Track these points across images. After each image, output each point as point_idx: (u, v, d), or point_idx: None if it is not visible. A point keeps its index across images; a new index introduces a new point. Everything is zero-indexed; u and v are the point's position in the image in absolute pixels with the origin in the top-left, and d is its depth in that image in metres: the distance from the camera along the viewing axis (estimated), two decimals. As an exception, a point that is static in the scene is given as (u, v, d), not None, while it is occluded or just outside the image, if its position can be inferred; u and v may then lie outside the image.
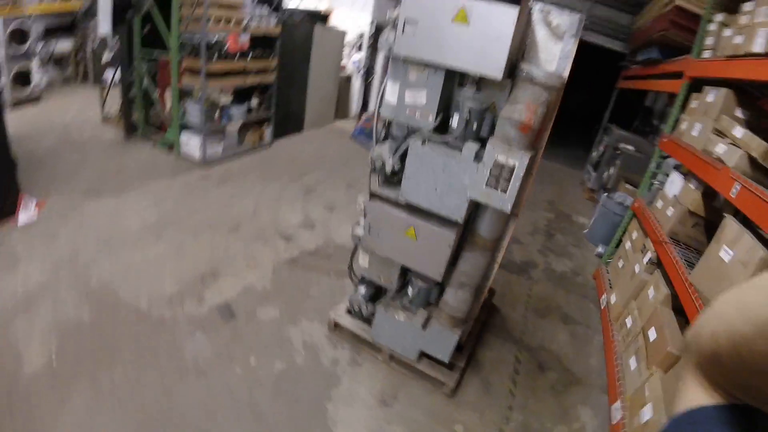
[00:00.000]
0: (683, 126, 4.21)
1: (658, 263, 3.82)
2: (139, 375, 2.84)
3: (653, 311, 3.44)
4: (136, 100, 6.06)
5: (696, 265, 3.10)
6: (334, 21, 8.45)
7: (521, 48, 2.44)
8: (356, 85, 9.72)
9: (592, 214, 6.79)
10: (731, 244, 2.79)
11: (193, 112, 5.80)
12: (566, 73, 2.39)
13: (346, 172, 6.86)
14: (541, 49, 2.39)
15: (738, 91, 3.53)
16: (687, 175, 3.93)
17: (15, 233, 3.94)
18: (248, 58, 6.09)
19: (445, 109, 2.49)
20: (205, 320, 3.35)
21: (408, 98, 2.43)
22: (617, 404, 3.23)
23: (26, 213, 4.11)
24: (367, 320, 3.35)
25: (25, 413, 2.49)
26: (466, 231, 2.75)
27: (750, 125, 3.29)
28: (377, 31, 8.89)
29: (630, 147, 7.19)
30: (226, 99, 6.24)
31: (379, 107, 2.58)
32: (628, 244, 4.69)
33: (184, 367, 2.95)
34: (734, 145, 3.18)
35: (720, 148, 3.29)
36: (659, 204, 4.24)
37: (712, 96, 3.74)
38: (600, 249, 5.91)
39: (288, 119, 7.65)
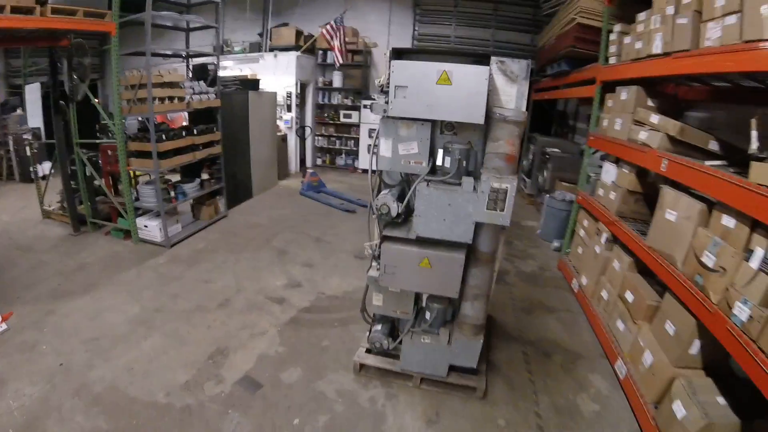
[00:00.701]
0: (605, 123, 4.91)
1: (614, 240, 4.36)
2: None
3: (623, 279, 3.96)
4: (80, 191, 5.83)
5: (648, 232, 3.67)
6: (262, 85, 8.68)
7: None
8: (291, 143, 9.96)
9: (538, 217, 7.39)
10: (673, 206, 3.37)
11: (148, 194, 5.69)
12: (525, 109, 2.85)
13: (309, 228, 6.97)
14: (502, 92, 2.84)
15: (645, 85, 4.18)
16: (618, 162, 4.53)
17: None
18: (195, 133, 6.13)
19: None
20: (232, 397, 3.29)
21: (402, 150, 2.83)
22: (619, 362, 3.68)
23: None
24: (389, 354, 3.51)
25: None
26: (469, 251, 3.04)
27: (662, 111, 3.95)
28: (302, 90, 9.35)
29: (556, 150, 7.90)
30: (175, 178, 6.20)
31: (376, 163, 2.96)
32: (582, 232, 5.28)
33: None
34: (654, 129, 3.80)
35: (642, 135, 3.92)
36: (601, 192, 4.84)
37: (624, 94, 4.40)
38: (555, 243, 6.52)
39: (237, 187, 7.68)
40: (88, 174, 5.77)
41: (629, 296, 3.78)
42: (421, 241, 2.95)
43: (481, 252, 3.04)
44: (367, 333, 3.59)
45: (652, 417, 3.03)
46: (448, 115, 2.66)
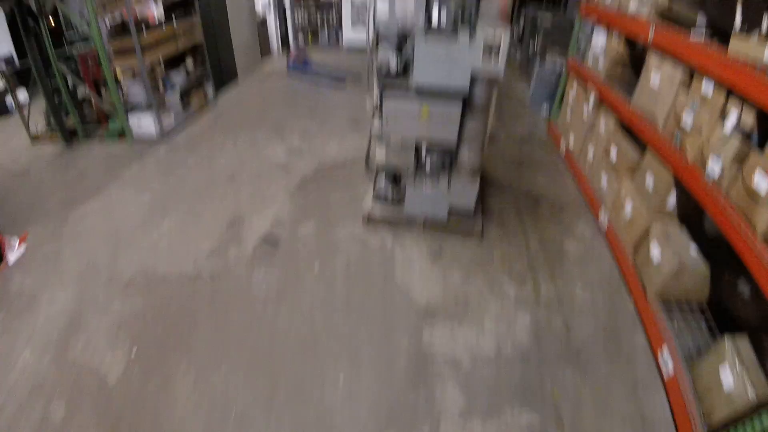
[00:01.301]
0: None
1: (601, 104, 4.52)
2: (229, 325, 3.02)
3: (608, 137, 4.17)
4: (65, 105, 5.72)
5: (633, 94, 3.80)
6: None
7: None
8: (271, 23, 9.49)
9: (528, 87, 7.39)
10: (657, 72, 3.49)
11: (136, 91, 5.57)
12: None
13: (300, 102, 6.97)
14: None
15: None
16: (607, 31, 4.58)
17: (14, 275, 3.54)
18: (174, 23, 5.85)
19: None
20: (256, 256, 3.60)
21: (399, 9, 2.91)
22: (602, 213, 4.01)
23: (13, 252, 3.73)
24: (394, 204, 3.80)
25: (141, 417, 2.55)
26: (465, 105, 3.19)
27: None
28: None
29: (548, 18, 7.69)
30: (161, 70, 6.06)
31: (373, 22, 3.00)
32: (571, 97, 5.41)
33: (263, 298, 3.21)
34: (644, 2, 3.85)
35: (633, 6, 4.01)
36: (590, 59, 4.93)
37: None
38: (545, 109, 6.63)
39: (223, 73, 7.48)
40: (70, 86, 5.58)
41: (613, 153, 4.01)
42: (421, 93, 3.08)
43: (476, 103, 3.20)
44: (372, 187, 3.84)
45: (631, 260, 3.38)
46: None
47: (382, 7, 2.91)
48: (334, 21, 10.48)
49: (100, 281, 3.41)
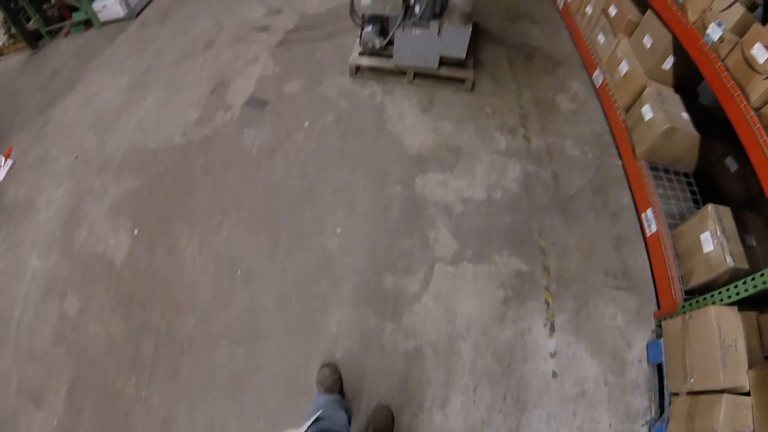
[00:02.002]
0: None
1: None
2: (225, 188, 3.02)
3: None
4: (25, 8, 5.10)
5: None
6: None
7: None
8: None
9: None
10: None
11: None
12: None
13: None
14: None
15: None
16: None
17: (7, 188, 3.54)
18: None
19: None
20: (244, 117, 3.46)
21: None
22: (597, 71, 3.73)
23: (1, 168, 3.68)
24: (381, 54, 3.53)
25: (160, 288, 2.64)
26: None
27: None
28: None
29: None
30: None
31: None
32: None
33: (256, 157, 3.16)
34: None
35: None
36: None
37: None
38: None
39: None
40: None
41: (612, 10, 3.66)
42: None
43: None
44: (358, 38, 3.56)
45: (622, 119, 3.23)
46: None
47: None
48: None
49: (92, 171, 3.36)
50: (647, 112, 2.96)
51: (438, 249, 2.65)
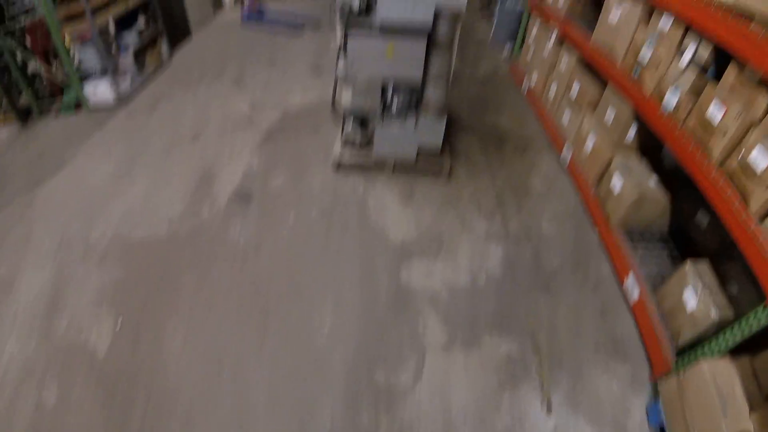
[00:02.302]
0: None
1: (562, 42, 4.45)
2: (211, 281, 2.97)
3: (570, 74, 4.13)
4: (17, 81, 5.28)
5: (594, 30, 3.74)
6: None
7: None
8: None
9: (487, 27, 7.29)
10: (617, 7, 3.45)
11: (90, 56, 5.13)
12: None
13: (258, 53, 6.59)
14: None
15: None
16: None
17: None
18: None
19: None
20: (230, 211, 3.51)
21: None
22: (565, 149, 4.02)
23: None
24: (363, 148, 3.73)
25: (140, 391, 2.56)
26: (429, 42, 3.08)
27: None
28: None
29: None
30: (112, 31, 5.60)
31: None
32: (532, 36, 5.30)
33: (242, 251, 3.16)
34: None
35: None
36: None
37: None
38: (506, 50, 6.50)
39: (175, 28, 7.00)
40: (20, 62, 5.09)
41: (575, 90, 4.00)
42: (385, 31, 2.97)
43: (440, 40, 3.12)
44: (339, 132, 3.76)
45: (593, 192, 3.45)
46: None
47: None
48: None
49: (75, 256, 3.27)
50: (616, 183, 3.11)
51: (428, 338, 2.65)
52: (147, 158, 4.28)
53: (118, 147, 4.52)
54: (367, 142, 3.67)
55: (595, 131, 3.58)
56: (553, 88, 4.53)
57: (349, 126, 3.60)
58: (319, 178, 3.78)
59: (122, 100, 5.41)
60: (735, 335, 1.98)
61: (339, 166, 3.78)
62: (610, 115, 3.46)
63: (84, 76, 5.25)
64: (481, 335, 2.66)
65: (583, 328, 2.72)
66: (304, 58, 6.31)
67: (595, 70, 3.78)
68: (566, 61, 4.27)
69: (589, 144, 3.63)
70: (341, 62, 3.19)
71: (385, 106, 3.47)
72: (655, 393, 2.37)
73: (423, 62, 3.09)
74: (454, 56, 3.27)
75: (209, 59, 6.54)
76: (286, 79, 5.69)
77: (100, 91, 5.29)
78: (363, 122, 3.66)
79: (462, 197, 3.64)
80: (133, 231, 3.42)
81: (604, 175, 3.38)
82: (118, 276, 3.07)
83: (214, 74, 5.99)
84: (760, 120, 2.13)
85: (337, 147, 3.80)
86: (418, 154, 3.67)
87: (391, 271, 3.01)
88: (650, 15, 3.13)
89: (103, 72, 5.24)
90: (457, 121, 4.60)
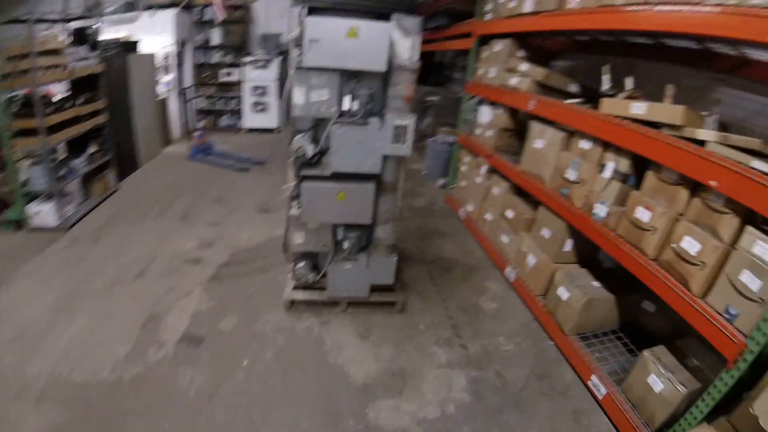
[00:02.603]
0: (480, 71, 5.47)
1: (492, 171, 5.03)
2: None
3: (503, 200, 4.63)
4: None
5: (520, 160, 4.29)
6: (139, 47, 7.88)
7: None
8: (173, 107, 9.22)
9: (423, 160, 8.07)
10: (540, 136, 3.99)
11: (37, 175, 5.00)
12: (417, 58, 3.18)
13: (205, 190, 6.72)
14: (398, 45, 3.07)
15: (517, 39, 4.73)
16: (492, 104, 5.14)
17: None
18: (77, 103, 5.49)
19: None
20: (179, 356, 3.34)
21: (314, 97, 3.03)
22: (508, 268, 4.37)
23: None
24: (314, 287, 3.80)
25: None
26: (377, 184, 3.39)
27: (531, 60, 4.52)
28: (181, 49, 8.82)
29: (435, 97, 8.38)
30: (63, 153, 5.53)
31: (288, 111, 3.12)
32: (464, 168, 5.96)
33: (194, 401, 2.97)
34: (524, 75, 4.36)
35: (513, 81, 4.50)
36: (478, 131, 5.48)
37: (498, 46, 4.93)
38: (441, 181, 7.20)
39: (124, 158, 7.02)
40: None
41: (510, 213, 4.45)
42: (336, 177, 3.23)
43: (387, 182, 3.43)
44: (290, 273, 3.82)
45: (542, 305, 3.73)
46: (356, 64, 2.91)
47: (299, 97, 3.03)
48: (235, 104, 10.45)
49: (8, 396, 2.94)
50: (563, 293, 3.37)
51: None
52: (89, 292, 4.07)
53: (59, 277, 4.30)
54: (319, 282, 3.74)
55: (534, 249, 3.93)
56: (489, 215, 4.99)
57: (301, 265, 3.68)
58: (271, 319, 3.74)
59: (65, 225, 5.24)
60: (707, 404, 2.21)
61: (291, 305, 3.80)
62: (545, 232, 3.84)
63: (29, 195, 5.09)
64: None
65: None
66: (251, 196, 6.49)
67: (526, 193, 4.25)
68: (498, 189, 4.78)
69: (531, 261, 3.95)
70: (293, 206, 3.36)
71: (336, 246, 3.62)
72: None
73: (372, 207, 3.35)
74: (401, 196, 3.56)
75: (156, 192, 6.59)
76: (233, 218, 5.78)
77: (43, 213, 5.13)
78: (315, 261, 3.77)
79: (418, 328, 3.75)
80: (73, 372, 3.16)
81: (549, 287, 3.67)
82: (56, 421, 2.78)
83: (161, 208, 6.00)
84: (684, 212, 2.57)
85: (288, 286, 3.85)
86: (370, 290, 3.79)
87: (357, 413, 2.93)
88: (570, 138, 3.65)
89: (49, 194, 5.11)
90: (403, 252, 4.84)
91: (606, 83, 3.53)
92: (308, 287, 3.80)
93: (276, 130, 10.09)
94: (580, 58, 5.02)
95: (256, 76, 9.72)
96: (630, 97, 3.18)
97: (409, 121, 3.08)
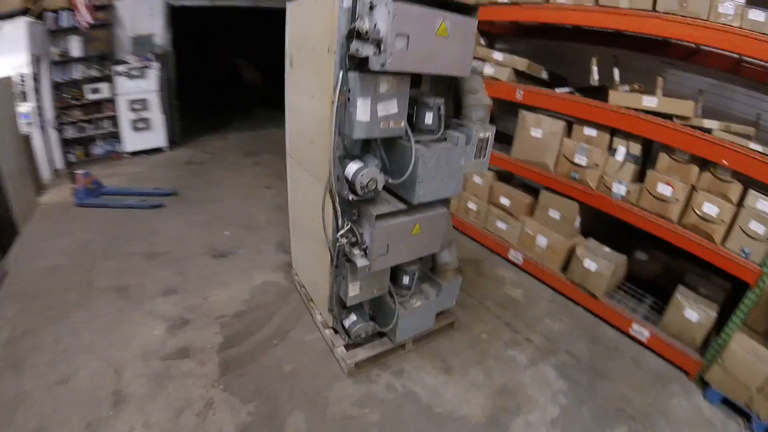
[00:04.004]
0: None
1: None
2: None
3: (490, 189, 4.60)
4: None
5: (512, 148, 4.28)
6: None
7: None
8: (38, 143, 6.31)
9: None
10: (536, 125, 3.97)
11: None
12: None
13: (124, 244, 4.70)
14: None
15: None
16: None
17: None
18: None
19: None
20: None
21: (381, 111, 2.31)
22: (512, 252, 4.43)
23: None
24: (371, 337, 3.23)
25: None
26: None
27: (487, 45, 4.65)
28: (39, 68, 6.32)
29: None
30: None
31: (340, 134, 2.45)
32: None
33: None
34: (500, 66, 4.23)
35: (489, 70, 4.30)
36: None
37: None
38: None
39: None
40: None
41: (505, 201, 4.44)
42: (411, 209, 2.66)
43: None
44: (327, 328, 3.32)
45: (565, 278, 3.95)
46: (444, 68, 2.33)
47: (363, 112, 2.25)
48: (109, 126, 7.78)
49: None
50: (590, 264, 3.69)
51: None
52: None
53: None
54: (376, 330, 3.13)
55: (544, 230, 4.09)
56: (473, 204, 4.89)
57: (354, 320, 2.99)
58: (341, 394, 3.00)
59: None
60: (740, 317, 2.94)
61: (355, 369, 3.12)
62: (555, 214, 3.99)
63: None
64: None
65: (626, 382, 3.25)
66: (189, 239, 4.89)
67: (509, 180, 4.45)
68: (480, 177, 4.68)
69: (542, 242, 4.08)
70: (356, 252, 2.63)
71: (396, 284, 3.10)
72: (703, 385, 3.12)
73: (445, 233, 2.92)
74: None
75: (62, 266, 4.31)
76: (188, 274, 4.24)
77: None
78: (361, 310, 3.08)
79: (482, 339, 3.59)
80: None
81: (569, 261, 3.93)
82: None
83: (81, 288, 3.96)
84: (697, 184, 3.19)
85: (337, 347, 3.15)
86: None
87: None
88: (570, 127, 3.79)
89: None
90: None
91: (595, 74, 3.72)
92: (368, 340, 3.21)
93: (167, 148, 8.23)
94: (524, 43, 5.13)
95: (132, 87, 7.46)
96: (633, 91, 3.50)
97: (491, 132, 2.67)
